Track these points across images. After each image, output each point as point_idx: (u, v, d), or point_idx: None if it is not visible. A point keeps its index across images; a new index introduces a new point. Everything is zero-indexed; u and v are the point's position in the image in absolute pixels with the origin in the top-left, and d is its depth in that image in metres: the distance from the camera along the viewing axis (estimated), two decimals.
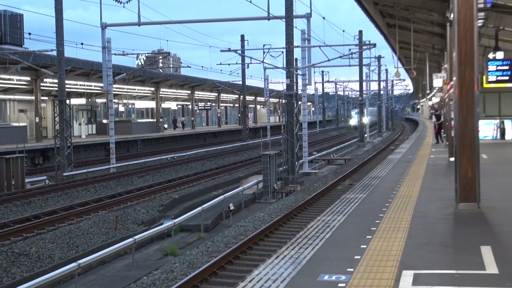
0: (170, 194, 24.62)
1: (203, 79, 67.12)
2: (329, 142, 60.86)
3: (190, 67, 49.99)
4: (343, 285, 7.32)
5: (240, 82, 61.52)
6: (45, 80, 43.36)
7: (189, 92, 69.85)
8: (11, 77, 41.36)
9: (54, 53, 31.69)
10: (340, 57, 34.70)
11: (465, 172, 11.78)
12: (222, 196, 21.26)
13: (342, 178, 27.62)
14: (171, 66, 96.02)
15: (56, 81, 33.45)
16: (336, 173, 31.14)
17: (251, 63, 50.23)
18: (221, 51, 39.97)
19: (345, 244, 9.50)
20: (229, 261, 13.65)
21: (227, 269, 13.27)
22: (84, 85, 49.74)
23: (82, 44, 33.81)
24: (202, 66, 54.25)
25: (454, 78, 12.11)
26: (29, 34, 32.86)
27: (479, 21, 22.21)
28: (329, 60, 33.01)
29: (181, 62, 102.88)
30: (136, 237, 15.25)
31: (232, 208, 20.90)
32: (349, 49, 40.32)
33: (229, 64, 50.82)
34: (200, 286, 12.06)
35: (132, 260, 14.93)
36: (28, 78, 42.42)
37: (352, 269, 7.95)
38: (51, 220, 19.38)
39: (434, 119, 36.82)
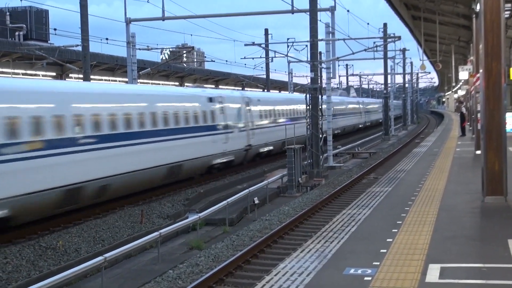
0: (195, 188, 24.70)
1: (227, 73, 67.03)
2: (354, 135, 60.56)
3: (214, 61, 49.81)
4: (369, 278, 7.30)
5: (264, 76, 61.44)
6: (70, 75, 43.62)
7: (213, 86, 69.91)
8: (37, 72, 41.65)
9: (79, 48, 31.84)
10: (365, 50, 34.46)
11: (492, 165, 11.69)
12: (247, 190, 21.26)
13: (367, 172, 27.49)
14: (195, 60, 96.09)
15: (81, 76, 33.63)
16: (361, 167, 31.02)
17: (275, 56, 50.10)
18: (245, 45, 39.72)
19: (371, 238, 9.47)
20: (254, 255, 13.66)
21: (252, 263, 13.28)
22: (109, 80, 50.01)
23: (107, 39, 33.90)
24: (226, 60, 54.00)
25: (481, 71, 12.01)
26: (55, 29, 32.94)
27: (506, 12, 21.95)
28: (353, 53, 32.80)
29: (205, 57, 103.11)
30: (161, 231, 15.33)
31: (256, 202, 20.92)
32: (374, 42, 40.01)
33: (253, 58, 50.42)
34: (226, 280, 12.08)
35: (158, 254, 15.01)
36: (54, 74, 42.71)
37: (378, 263, 7.92)
38: (77, 214, 19.53)
39: (463, 110, 36.44)
